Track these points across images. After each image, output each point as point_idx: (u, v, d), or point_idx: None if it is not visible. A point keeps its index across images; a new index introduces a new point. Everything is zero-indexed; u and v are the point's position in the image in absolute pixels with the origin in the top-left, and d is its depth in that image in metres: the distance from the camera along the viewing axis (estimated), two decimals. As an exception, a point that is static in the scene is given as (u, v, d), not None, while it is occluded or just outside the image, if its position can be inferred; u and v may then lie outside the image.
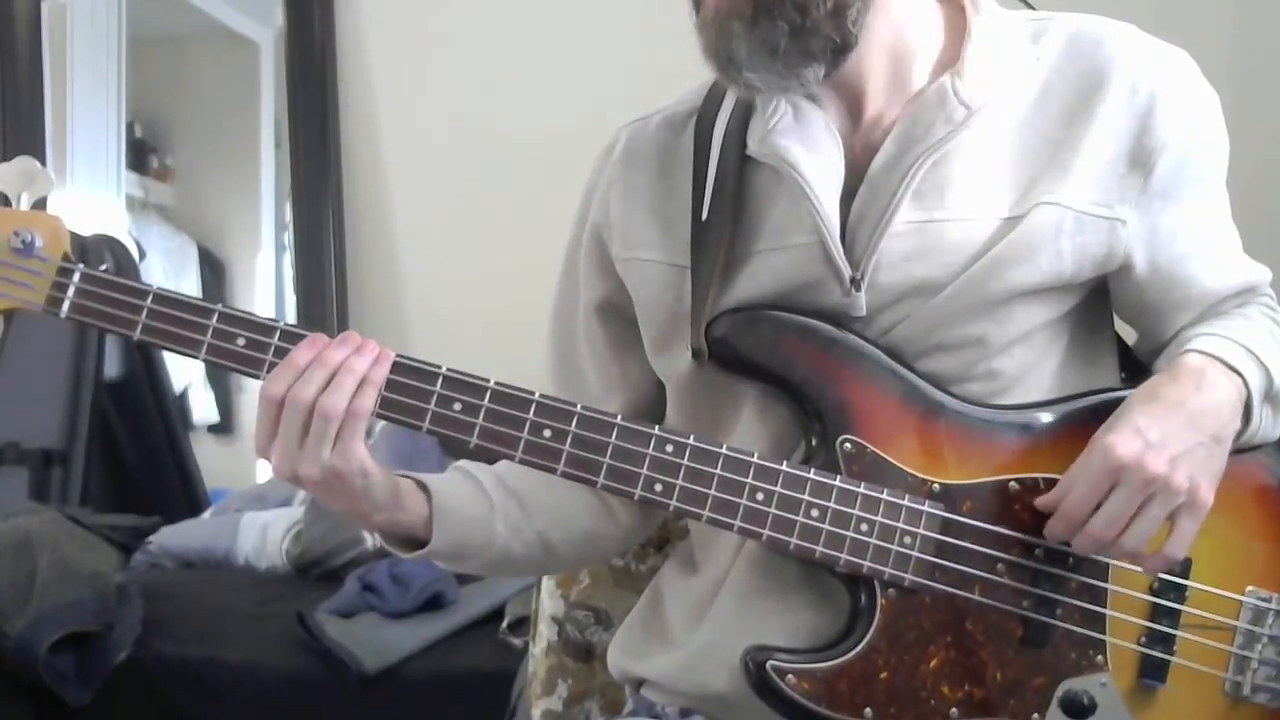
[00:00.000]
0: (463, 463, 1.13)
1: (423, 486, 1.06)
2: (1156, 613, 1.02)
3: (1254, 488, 1.06)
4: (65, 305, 0.98)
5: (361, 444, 0.97)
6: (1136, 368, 1.10)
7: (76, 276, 0.98)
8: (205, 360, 0.98)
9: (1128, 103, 1.01)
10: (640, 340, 1.12)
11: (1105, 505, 0.95)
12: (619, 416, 1.00)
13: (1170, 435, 0.96)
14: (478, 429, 0.99)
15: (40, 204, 1.04)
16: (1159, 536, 0.97)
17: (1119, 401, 1.01)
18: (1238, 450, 1.03)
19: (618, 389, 1.14)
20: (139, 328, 0.98)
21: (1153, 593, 1.02)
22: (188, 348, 0.98)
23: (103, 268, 1.00)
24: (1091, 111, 1.01)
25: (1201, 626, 1.02)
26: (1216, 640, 1.03)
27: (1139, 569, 1.00)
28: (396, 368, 0.98)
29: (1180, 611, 1.02)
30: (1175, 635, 1.02)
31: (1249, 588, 1.04)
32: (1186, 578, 1.02)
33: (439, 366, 0.99)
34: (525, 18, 2.78)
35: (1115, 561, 1.00)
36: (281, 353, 0.98)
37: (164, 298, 0.98)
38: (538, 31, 2.78)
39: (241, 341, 0.98)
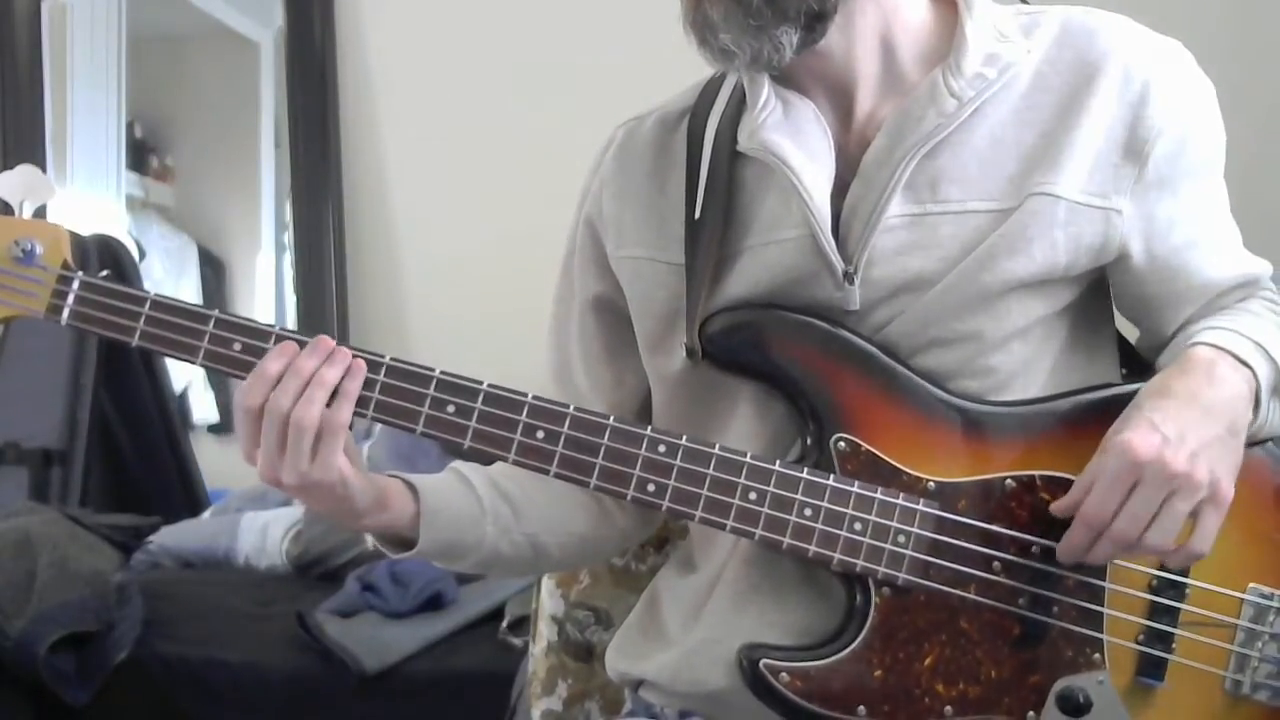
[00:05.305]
0: (458, 463, 1.13)
1: (413, 488, 1.06)
2: (1155, 611, 1.01)
3: (1256, 483, 1.04)
4: (65, 313, 1.00)
5: (340, 455, 0.96)
6: (1138, 365, 1.09)
7: (76, 284, 1.00)
8: (203, 365, 0.99)
9: (1121, 93, 1.00)
10: (635, 341, 1.12)
11: (1127, 505, 0.93)
12: (611, 417, 1.00)
13: (1187, 429, 0.94)
14: (471, 431, 0.99)
15: (41, 211, 1.06)
16: (1182, 533, 0.95)
17: (1118, 397, 1.00)
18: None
19: (608, 391, 1.14)
20: (137, 334, 0.99)
21: (1151, 591, 1.01)
22: (185, 353, 0.99)
23: (103, 274, 1.01)
24: (1085, 102, 1.00)
25: (1201, 624, 1.02)
26: (1217, 638, 1.02)
27: (1167, 564, 0.99)
28: (390, 371, 0.99)
29: (1179, 609, 1.01)
30: (1174, 633, 1.01)
31: (1250, 585, 1.03)
32: (1186, 575, 1.01)
33: (432, 369, 0.99)
34: (524, 17, 2.78)
35: (1131, 560, 0.99)
36: None
37: (161, 304, 0.99)
38: (537, 30, 2.78)
39: (238, 346, 0.99)
